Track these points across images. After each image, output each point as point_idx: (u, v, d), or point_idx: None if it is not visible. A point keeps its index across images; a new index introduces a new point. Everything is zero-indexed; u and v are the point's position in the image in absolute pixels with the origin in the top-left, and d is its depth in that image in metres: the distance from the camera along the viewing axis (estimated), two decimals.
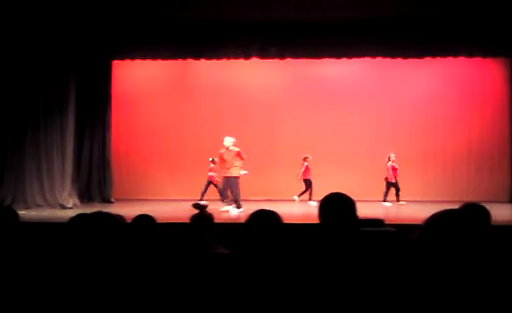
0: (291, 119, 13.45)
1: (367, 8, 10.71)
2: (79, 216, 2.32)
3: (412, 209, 11.15)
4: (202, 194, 11.78)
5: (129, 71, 13.34)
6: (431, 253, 1.59)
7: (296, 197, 12.41)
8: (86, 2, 10.31)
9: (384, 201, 12.10)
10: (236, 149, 10.33)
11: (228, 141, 10.37)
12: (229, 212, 10.00)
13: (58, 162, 11.12)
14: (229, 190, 10.35)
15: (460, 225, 1.71)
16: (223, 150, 10.37)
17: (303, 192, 12.44)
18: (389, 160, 12.22)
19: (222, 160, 10.35)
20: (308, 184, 12.42)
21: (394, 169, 12.16)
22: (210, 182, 12.09)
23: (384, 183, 12.25)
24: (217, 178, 11.86)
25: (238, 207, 10.12)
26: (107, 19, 11.29)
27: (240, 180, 10.43)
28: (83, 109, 12.04)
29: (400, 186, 12.27)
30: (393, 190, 12.21)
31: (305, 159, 12.45)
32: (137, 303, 2.19)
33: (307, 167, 12.41)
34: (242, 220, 2.61)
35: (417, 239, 1.62)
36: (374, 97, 13.39)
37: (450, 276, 1.57)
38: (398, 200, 12.10)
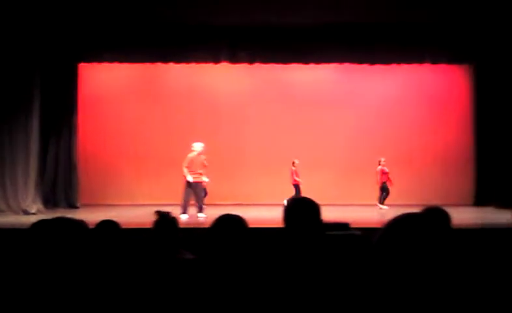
0: (261, 123, 13.49)
1: (335, 15, 10.87)
2: (41, 222, 2.27)
3: (379, 213, 11.36)
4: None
5: (97, 73, 13.17)
6: (389, 257, 1.62)
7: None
8: (51, 5, 10.14)
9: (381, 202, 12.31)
10: (204, 156, 10.30)
11: (200, 146, 10.31)
12: (199, 216, 9.91)
13: (23, 167, 10.87)
14: (195, 195, 10.19)
15: (420, 228, 1.74)
16: (193, 155, 10.26)
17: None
18: (379, 164, 12.34)
19: (193, 164, 10.21)
20: (297, 188, 12.42)
21: (383, 173, 12.28)
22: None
23: (378, 187, 12.43)
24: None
25: (201, 211, 10.06)
26: (74, 22, 11.14)
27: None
28: (48, 112, 11.78)
29: (369, 189, 12.48)
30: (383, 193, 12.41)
31: (293, 164, 12.45)
32: (99, 310, 2.15)
33: (293, 171, 12.40)
34: (208, 225, 2.61)
35: (376, 243, 1.64)
36: (342, 102, 13.55)
37: (408, 280, 1.59)
38: (381, 203, 12.20)
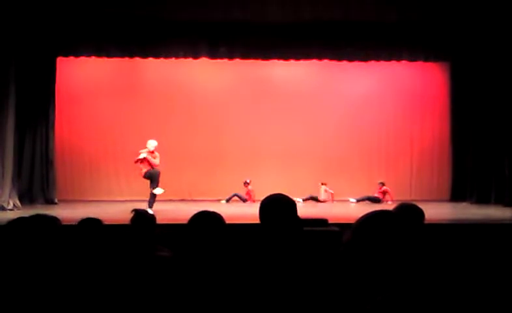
0: (240, 119, 13.47)
1: (314, 12, 10.95)
2: (19, 219, 2.27)
3: (356, 209, 11.47)
4: None
5: (76, 68, 12.98)
6: (362, 255, 1.65)
7: None
8: None
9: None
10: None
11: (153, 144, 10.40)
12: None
13: None
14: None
15: (391, 225, 1.77)
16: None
17: None
18: None
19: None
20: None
21: None
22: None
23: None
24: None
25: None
26: (51, 14, 10.98)
27: None
28: (24, 107, 11.58)
29: (341, 185, 12.74)
30: None
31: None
32: (77, 307, 2.16)
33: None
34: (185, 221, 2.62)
35: (349, 240, 1.68)
36: (321, 98, 13.61)
37: (379, 278, 1.62)
38: None
